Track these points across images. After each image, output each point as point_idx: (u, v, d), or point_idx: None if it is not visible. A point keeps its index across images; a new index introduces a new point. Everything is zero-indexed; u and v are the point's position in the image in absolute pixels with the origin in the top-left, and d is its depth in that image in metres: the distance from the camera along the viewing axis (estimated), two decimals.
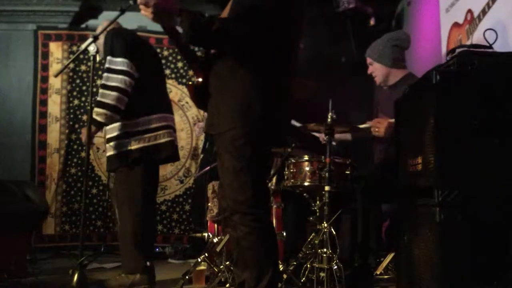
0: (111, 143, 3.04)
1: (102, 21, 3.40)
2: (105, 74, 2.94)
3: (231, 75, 2.05)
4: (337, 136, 3.14)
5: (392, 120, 3.01)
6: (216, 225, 3.29)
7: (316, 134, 3.43)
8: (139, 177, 3.03)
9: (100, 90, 2.94)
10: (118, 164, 3.03)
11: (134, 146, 2.98)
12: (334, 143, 2.87)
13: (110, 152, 3.05)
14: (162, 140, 3.06)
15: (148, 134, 3.01)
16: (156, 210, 4.71)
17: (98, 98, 2.93)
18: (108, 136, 3.08)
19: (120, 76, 2.92)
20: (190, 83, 2.19)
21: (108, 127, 3.06)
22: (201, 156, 4.93)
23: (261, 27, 1.99)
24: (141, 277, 2.94)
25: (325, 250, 2.66)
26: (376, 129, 3.13)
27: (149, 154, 3.04)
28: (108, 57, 2.97)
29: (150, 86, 3.09)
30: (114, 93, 2.90)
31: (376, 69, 3.34)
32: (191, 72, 5.22)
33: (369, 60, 3.38)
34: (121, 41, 3.01)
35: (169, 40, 2.14)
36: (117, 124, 3.01)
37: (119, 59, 2.95)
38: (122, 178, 3.05)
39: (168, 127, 3.12)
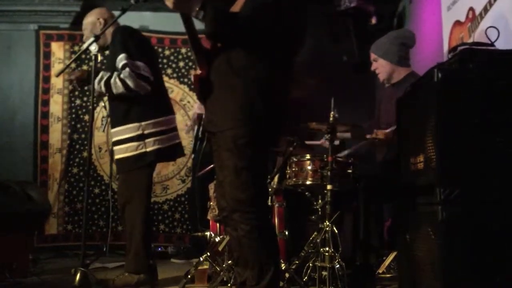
0: (123, 145, 3.02)
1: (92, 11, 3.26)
2: (127, 70, 2.88)
3: (233, 73, 2.04)
4: (337, 135, 3.13)
5: (390, 130, 3.02)
6: (218, 225, 3.29)
7: (316, 142, 3.43)
8: (149, 177, 3.06)
9: (118, 81, 2.91)
10: (132, 166, 3.01)
11: (149, 148, 2.99)
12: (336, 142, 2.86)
13: (122, 155, 3.03)
14: (176, 142, 3.13)
15: (162, 136, 3.03)
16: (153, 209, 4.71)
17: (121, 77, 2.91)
18: (117, 138, 3.06)
19: (141, 83, 2.92)
20: (196, 73, 2.16)
21: (117, 129, 3.05)
22: (192, 156, 4.85)
23: (272, 24, 1.98)
24: (145, 276, 2.95)
25: (327, 249, 2.66)
26: (376, 137, 3.13)
27: (163, 156, 3.08)
28: (123, 55, 2.92)
29: (159, 88, 3.10)
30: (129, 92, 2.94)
31: (381, 66, 3.29)
32: (192, 72, 5.21)
33: (373, 56, 3.33)
34: (135, 41, 3.01)
35: (185, 30, 2.09)
36: (129, 126, 3.01)
37: (140, 64, 2.93)
38: (132, 179, 3.03)
39: (176, 128, 3.17)
